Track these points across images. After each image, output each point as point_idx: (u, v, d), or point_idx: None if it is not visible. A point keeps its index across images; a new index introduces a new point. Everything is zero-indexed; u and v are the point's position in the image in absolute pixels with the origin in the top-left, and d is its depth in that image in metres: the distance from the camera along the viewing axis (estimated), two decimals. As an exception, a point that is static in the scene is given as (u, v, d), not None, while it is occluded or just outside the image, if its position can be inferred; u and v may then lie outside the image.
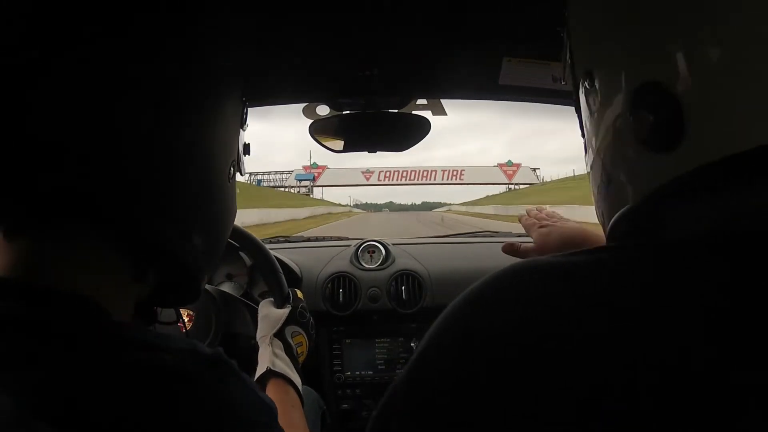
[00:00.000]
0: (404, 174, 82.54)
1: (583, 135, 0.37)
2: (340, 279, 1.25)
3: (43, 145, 0.29)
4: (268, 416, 0.35)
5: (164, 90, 0.33)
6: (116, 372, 0.28)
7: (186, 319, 0.85)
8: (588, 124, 0.35)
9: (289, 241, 1.63)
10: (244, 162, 0.46)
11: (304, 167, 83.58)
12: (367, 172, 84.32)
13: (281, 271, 0.84)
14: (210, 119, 0.37)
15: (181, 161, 0.34)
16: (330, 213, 47.72)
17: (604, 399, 0.20)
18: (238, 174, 0.43)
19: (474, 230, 1.90)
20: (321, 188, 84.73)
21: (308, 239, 1.69)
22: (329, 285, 1.24)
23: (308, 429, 0.65)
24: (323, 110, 1.04)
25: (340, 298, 1.22)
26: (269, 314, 0.77)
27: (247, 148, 0.47)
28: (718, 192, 0.25)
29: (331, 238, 1.64)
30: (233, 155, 0.41)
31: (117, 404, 0.27)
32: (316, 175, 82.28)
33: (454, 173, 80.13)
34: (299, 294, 0.84)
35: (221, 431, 0.30)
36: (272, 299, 0.82)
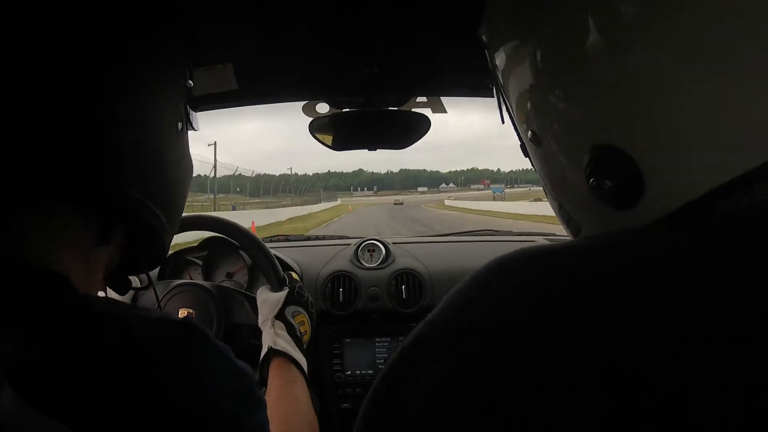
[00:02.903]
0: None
1: (535, 169, 0.39)
2: (340, 278, 1.24)
3: (11, 122, 0.30)
4: (243, 383, 0.35)
5: (106, 63, 0.34)
6: (85, 342, 0.29)
7: None
8: (542, 173, 0.37)
9: (290, 240, 1.63)
10: (196, 117, 0.49)
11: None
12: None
13: (274, 257, 0.84)
14: (147, 82, 0.38)
15: (124, 122, 0.35)
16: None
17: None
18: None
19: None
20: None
21: (308, 238, 1.69)
22: (329, 284, 1.24)
23: (311, 402, 0.65)
24: (323, 108, 1.04)
25: (341, 298, 1.22)
26: (268, 298, 0.78)
27: (195, 105, 0.49)
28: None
29: (332, 237, 1.63)
30: (178, 111, 0.44)
31: (86, 375, 0.28)
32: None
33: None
34: (294, 275, 0.85)
35: (190, 397, 0.30)
36: (269, 285, 0.82)
